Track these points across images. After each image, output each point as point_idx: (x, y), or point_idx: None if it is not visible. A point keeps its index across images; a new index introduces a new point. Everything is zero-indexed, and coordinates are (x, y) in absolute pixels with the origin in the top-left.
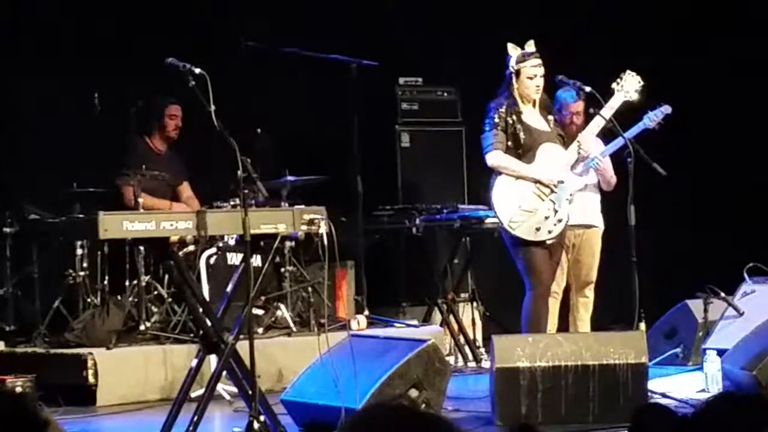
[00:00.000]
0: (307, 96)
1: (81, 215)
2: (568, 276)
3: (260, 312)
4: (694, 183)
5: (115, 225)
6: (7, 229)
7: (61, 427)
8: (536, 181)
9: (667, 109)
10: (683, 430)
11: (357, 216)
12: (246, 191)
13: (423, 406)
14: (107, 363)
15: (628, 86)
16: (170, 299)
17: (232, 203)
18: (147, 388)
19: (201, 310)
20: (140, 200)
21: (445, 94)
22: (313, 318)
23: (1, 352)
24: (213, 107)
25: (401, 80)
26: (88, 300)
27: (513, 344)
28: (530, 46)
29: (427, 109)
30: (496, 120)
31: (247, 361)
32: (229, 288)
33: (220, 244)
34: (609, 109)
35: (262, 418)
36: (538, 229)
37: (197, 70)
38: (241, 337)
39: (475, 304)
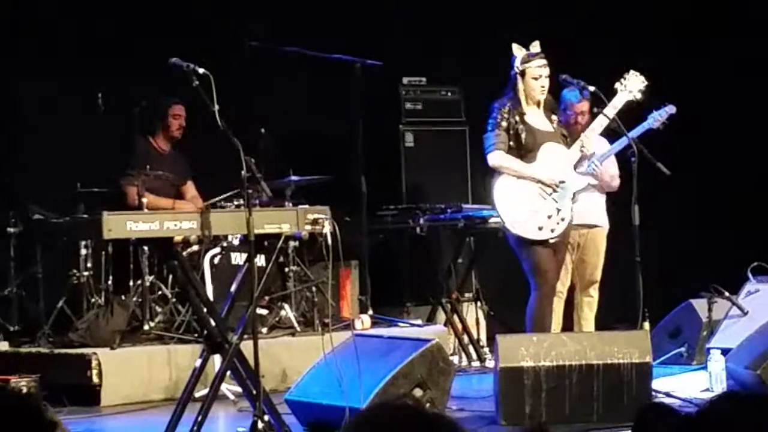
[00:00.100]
0: (311, 96)
1: (85, 215)
2: (573, 276)
3: (264, 312)
4: (698, 183)
5: (119, 225)
6: (11, 229)
7: (65, 428)
8: (538, 181)
9: (671, 109)
10: (687, 430)
11: (361, 216)
12: (250, 191)
13: (427, 405)
14: (111, 363)
15: (632, 86)
16: (174, 299)
17: (236, 203)
18: (151, 388)
19: (205, 310)
20: (144, 200)
21: (449, 93)
22: (317, 318)
23: (6, 352)
24: (217, 107)
25: (405, 80)
26: (93, 300)
27: (517, 344)
28: (535, 47)
29: (430, 109)
30: (499, 120)
31: (251, 361)
32: (233, 288)
33: (224, 244)
34: (612, 108)
35: (266, 417)
36: (540, 228)
37: (201, 70)
38: (245, 336)
39: (479, 303)
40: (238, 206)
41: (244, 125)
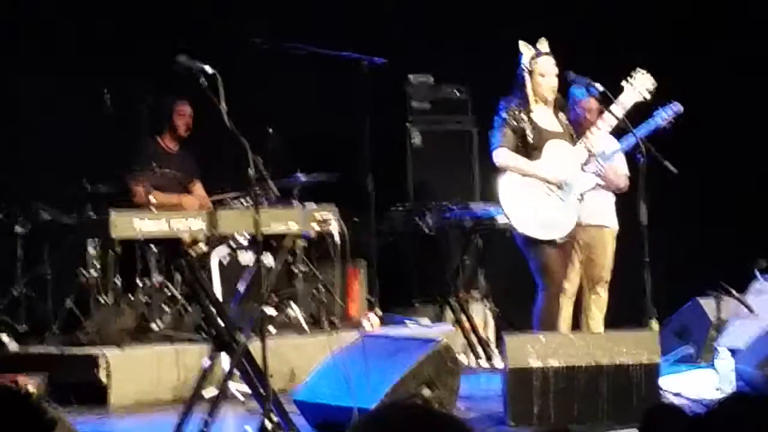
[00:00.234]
0: (318, 95)
1: (92, 215)
2: (581, 275)
3: (272, 311)
4: (705, 181)
5: (126, 224)
6: (19, 229)
7: (72, 426)
8: (543, 180)
9: (678, 107)
10: (696, 431)
11: (368, 215)
12: (258, 190)
13: (435, 405)
14: (119, 363)
15: (639, 84)
16: (183, 299)
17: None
18: (159, 387)
19: (213, 309)
20: (152, 199)
21: (456, 92)
22: (325, 317)
23: (14, 352)
24: (224, 106)
25: (412, 78)
26: (101, 300)
27: (525, 344)
28: (543, 45)
29: (438, 107)
30: (505, 118)
31: (259, 361)
32: (241, 287)
33: (232, 244)
34: (621, 107)
35: (274, 418)
36: (546, 228)
37: (209, 70)
38: (254, 336)
39: (486, 303)
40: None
41: (252, 124)
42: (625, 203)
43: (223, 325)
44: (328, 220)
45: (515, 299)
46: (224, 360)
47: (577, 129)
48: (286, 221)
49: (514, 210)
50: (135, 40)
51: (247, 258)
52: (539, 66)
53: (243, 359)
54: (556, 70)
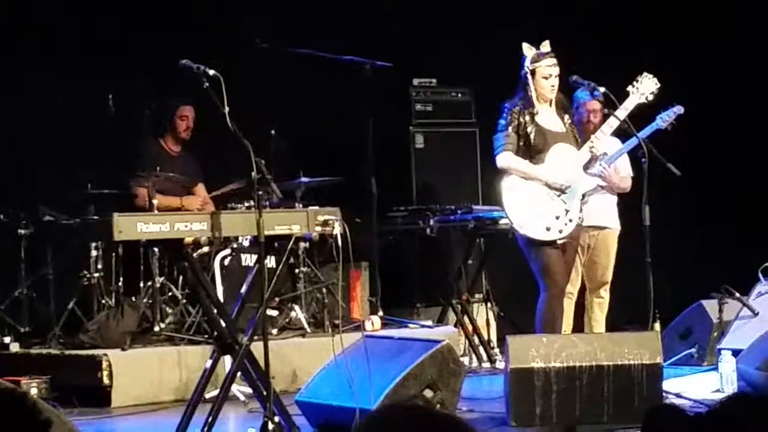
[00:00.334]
0: (321, 98)
1: (95, 217)
2: (583, 277)
3: (275, 313)
4: (708, 183)
5: (129, 226)
6: (22, 231)
7: (73, 426)
8: (544, 183)
9: (679, 109)
10: (697, 430)
11: (371, 217)
12: (260, 192)
13: (438, 406)
14: (122, 364)
15: (644, 88)
16: (185, 300)
17: (246, 204)
18: (161, 389)
19: (215, 311)
20: (154, 201)
21: (459, 94)
22: (327, 319)
23: (16, 354)
24: (227, 109)
25: (415, 81)
26: (103, 301)
27: (527, 345)
28: (545, 46)
29: (441, 110)
30: (509, 120)
31: (261, 362)
32: (243, 289)
33: (235, 246)
34: (623, 110)
35: (276, 419)
36: (548, 229)
37: (211, 72)
38: (256, 338)
39: (489, 304)
40: (248, 207)
41: (254, 127)
42: (628, 205)
43: (225, 326)
44: (331, 222)
45: (517, 301)
46: (227, 361)
47: (581, 130)
48: (288, 223)
49: (517, 212)
50: (138, 42)
51: (249, 260)
52: (541, 67)
53: (245, 360)
54: (557, 71)
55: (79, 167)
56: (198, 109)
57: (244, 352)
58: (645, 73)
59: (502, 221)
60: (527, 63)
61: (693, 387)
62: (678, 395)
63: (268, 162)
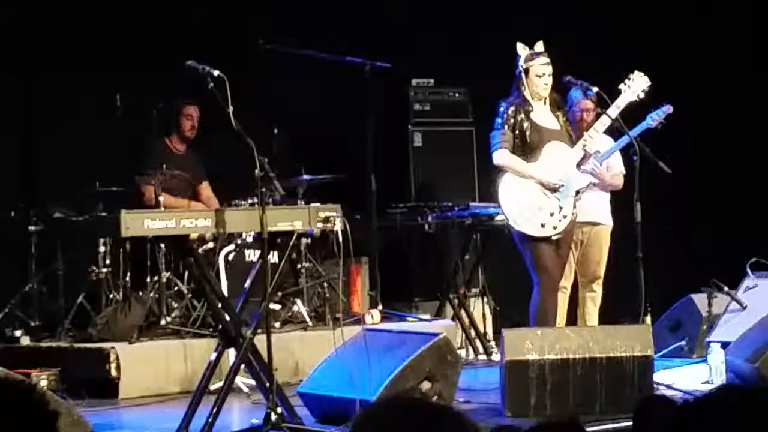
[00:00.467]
0: (323, 97)
1: (104, 214)
2: (576, 271)
3: (277, 307)
4: (698, 179)
5: (136, 223)
6: (32, 228)
7: (80, 416)
8: (539, 181)
9: (668, 108)
10: (684, 418)
11: (371, 214)
12: (263, 190)
13: (435, 397)
14: (129, 357)
15: (636, 86)
16: (190, 295)
17: (249, 201)
18: (168, 381)
19: (220, 305)
20: (161, 199)
21: (456, 95)
22: (328, 312)
23: (27, 347)
24: (231, 108)
25: (413, 81)
26: (111, 296)
27: (522, 338)
28: (539, 46)
29: (438, 110)
30: (505, 119)
31: (264, 355)
32: (247, 284)
33: (239, 242)
34: (615, 109)
35: (279, 409)
36: (542, 225)
37: (216, 73)
38: (259, 331)
39: (485, 298)
40: (251, 204)
41: (257, 125)
42: (620, 201)
43: (229, 320)
44: (332, 218)
45: (513, 295)
46: (231, 354)
47: (575, 128)
48: (291, 220)
49: (512, 208)
50: (146, 42)
51: (252, 255)
52: (535, 66)
53: (249, 353)
54: (550, 70)
55: (88, 165)
56: (204, 109)
57: (248, 345)
58: (636, 71)
59: (498, 218)
60: (521, 62)
61: (683, 378)
62: (668, 386)
63: (271, 160)
